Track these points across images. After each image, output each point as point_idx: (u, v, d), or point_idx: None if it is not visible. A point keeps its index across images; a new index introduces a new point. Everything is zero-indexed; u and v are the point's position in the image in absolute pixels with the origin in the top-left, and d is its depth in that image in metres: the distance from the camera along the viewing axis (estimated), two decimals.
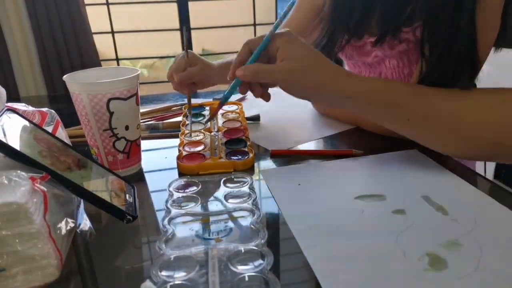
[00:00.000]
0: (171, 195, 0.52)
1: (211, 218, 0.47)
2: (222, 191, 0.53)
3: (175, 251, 0.41)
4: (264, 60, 0.53)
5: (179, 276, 0.38)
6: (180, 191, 0.53)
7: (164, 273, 0.38)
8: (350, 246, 0.42)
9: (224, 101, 0.56)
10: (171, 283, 0.37)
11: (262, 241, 0.41)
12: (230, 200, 0.50)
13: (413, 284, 0.36)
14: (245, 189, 0.53)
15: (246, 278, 0.37)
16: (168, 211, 0.48)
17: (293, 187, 0.54)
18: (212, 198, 0.52)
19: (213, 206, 0.50)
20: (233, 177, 0.56)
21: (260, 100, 0.60)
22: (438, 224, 0.45)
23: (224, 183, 0.55)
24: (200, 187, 0.54)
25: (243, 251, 0.40)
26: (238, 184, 0.54)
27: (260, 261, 0.39)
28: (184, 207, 0.49)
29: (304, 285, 0.38)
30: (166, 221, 0.46)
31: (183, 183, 0.55)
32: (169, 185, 0.54)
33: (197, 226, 0.46)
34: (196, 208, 0.49)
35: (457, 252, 0.40)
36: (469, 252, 0.40)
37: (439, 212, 0.47)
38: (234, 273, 0.37)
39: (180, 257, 0.40)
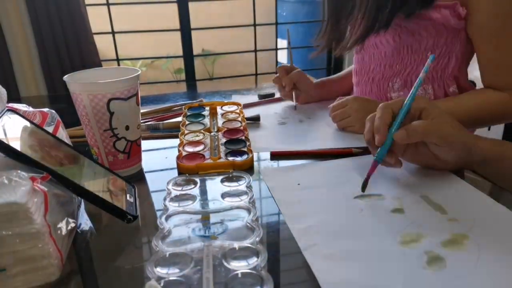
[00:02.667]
0: (169, 192, 0.52)
1: (208, 216, 0.48)
2: (219, 189, 0.53)
3: (171, 248, 0.41)
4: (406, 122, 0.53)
5: (174, 272, 0.38)
6: (178, 188, 0.53)
7: (159, 269, 0.38)
8: (349, 245, 0.42)
9: (380, 160, 0.52)
10: (166, 279, 0.37)
11: (257, 238, 0.42)
12: (227, 198, 0.51)
13: (411, 283, 0.36)
14: (243, 187, 0.53)
15: (239, 275, 0.37)
16: (165, 208, 0.49)
17: (293, 187, 0.54)
18: (209, 196, 0.52)
19: (210, 204, 0.50)
20: (231, 175, 0.56)
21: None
22: (437, 224, 0.45)
23: (222, 181, 0.55)
24: (198, 185, 0.54)
25: (237, 248, 0.41)
26: (236, 183, 0.54)
27: (254, 259, 0.39)
28: (182, 205, 0.50)
29: (303, 284, 0.39)
30: (163, 218, 0.46)
31: (181, 181, 0.55)
32: (168, 183, 0.54)
33: (193, 224, 0.46)
34: (194, 205, 0.50)
35: (456, 251, 0.40)
36: (467, 252, 0.40)
37: (438, 211, 0.47)
38: (228, 270, 0.38)
39: (175, 253, 0.41)
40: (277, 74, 0.89)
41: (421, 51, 0.76)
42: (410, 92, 0.52)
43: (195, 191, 0.53)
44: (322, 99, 0.92)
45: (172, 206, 0.49)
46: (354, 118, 0.72)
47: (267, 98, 0.93)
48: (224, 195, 0.51)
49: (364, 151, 0.64)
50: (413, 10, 0.71)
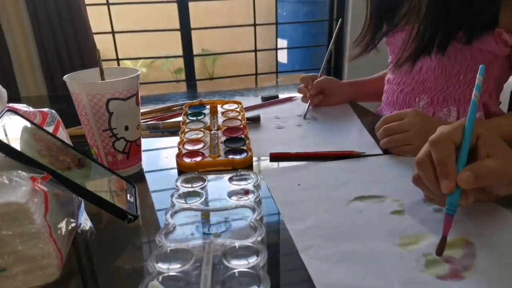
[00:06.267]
0: (177, 189, 0.53)
1: (212, 214, 0.48)
2: (227, 187, 0.53)
3: (173, 244, 0.41)
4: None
5: (173, 268, 0.38)
6: (186, 185, 0.54)
7: (160, 264, 0.38)
8: (347, 247, 0.42)
9: (454, 212, 0.41)
10: (164, 275, 0.37)
11: (259, 238, 0.42)
12: (234, 197, 0.51)
13: (409, 286, 0.36)
14: (250, 186, 0.53)
15: (236, 274, 0.37)
16: (172, 204, 0.49)
17: (293, 187, 0.54)
18: (216, 194, 0.52)
19: (216, 202, 0.50)
20: (239, 174, 0.57)
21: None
22: (436, 226, 0.44)
23: (230, 179, 0.55)
24: (206, 182, 0.55)
25: (237, 247, 0.41)
26: (244, 181, 0.55)
27: (254, 258, 0.39)
28: (188, 202, 0.50)
29: (302, 285, 0.38)
30: (168, 215, 0.47)
31: (190, 178, 0.56)
32: (176, 180, 0.55)
33: (198, 221, 0.46)
34: (200, 203, 0.50)
35: (455, 254, 0.40)
36: (467, 254, 0.40)
37: (439, 213, 0.47)
38: (227, 268, 0.38)
39: (177, 249, 0.41)
40: (301, 85, 0.89)
41: (453, 74, 0.74)
42: (468, 118, 0.43)
43: (203, 188, 0.53)
44: (355, 99, 0.92)
45: (179, 203, 0.49)
46: (413, 133, 0.60)
47: (270, 100, 0.93)
48: (230, 194, 0.52)
49: (366, 154, 0.63)
50: (474, 35, 0.67)
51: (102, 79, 0.58)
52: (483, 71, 0.46)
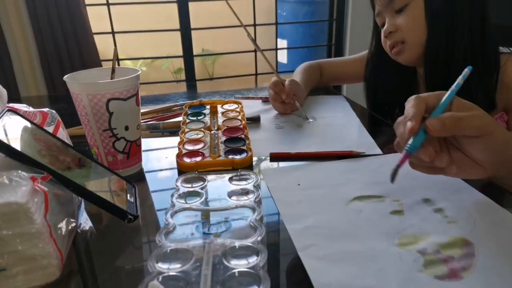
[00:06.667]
0: (177, 189, 0.53)
1: (213, 214, 0.48)
2: (227, 187, 0.53)
3: (173, 244, 0.41)
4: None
5: (173, 268, 0.38)
6: (186, 185, 0.54)
7: (160, 264, 0.39)
8: (345, 246, 0.42)
9: (412, 150, 0.44)
10: (164, 275, 0.37)
11: (259, 238, 0.42)
12: (234, 197, 0.51)
13: (406, 286, 0.36)
14: (250, 186, 0.53)
15: (236, 274, 0.37)
16: (172, 204, 0.49)
17: (293, 187, 0.54)
18: (216, 194, 0.52)
19: (216, 202, 0.50)
20: (239, 174, 0.57)
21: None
22: (436, 226, 0.45)
23: (230, 180, 0.55)
24: (206, 182, 0.55)
25: (237, 247, 0.41)
26: (244, 181, 0.55)
27: (254, 258, 0.39)
28: (188, 202, 0.50)
29: (302, 285, 0.38)
30: (168, 214, 0.47)
31: (190, 178, 0.56)
32: (177, 180, 0.55)
33: (198, 221, 0.47)
34: (200, 203, 0.50)
35: (454, 254, 0.40)
36: (466, 254, 0.40)
37: (438, 213, 0.47)
38: (227, 268, 0.38)
39: (177, 249, 0.41)
40: (271, 91, 0.85)
41: None
42: (453, 86, 0.47)
43: (203, 188, 0.53)
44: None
45: (179, 203, 0.49)
46: None
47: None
48: (230, 194, 0.52)
49: (366, 154, 0.63)
50: None
51: (112, 77, 0.58)
52: (466, 76, 0.49)
